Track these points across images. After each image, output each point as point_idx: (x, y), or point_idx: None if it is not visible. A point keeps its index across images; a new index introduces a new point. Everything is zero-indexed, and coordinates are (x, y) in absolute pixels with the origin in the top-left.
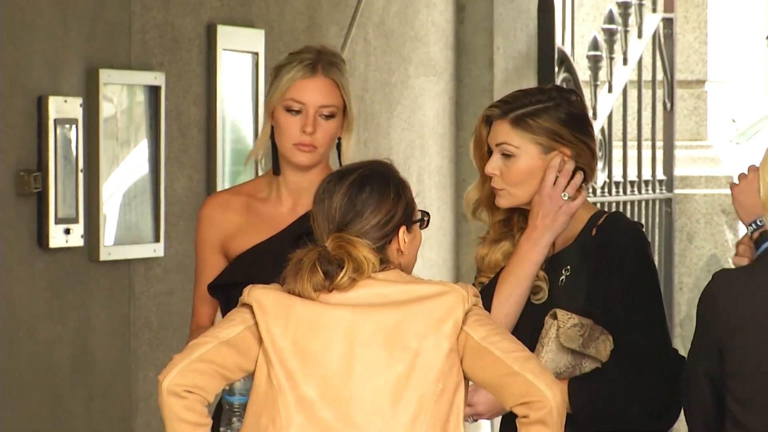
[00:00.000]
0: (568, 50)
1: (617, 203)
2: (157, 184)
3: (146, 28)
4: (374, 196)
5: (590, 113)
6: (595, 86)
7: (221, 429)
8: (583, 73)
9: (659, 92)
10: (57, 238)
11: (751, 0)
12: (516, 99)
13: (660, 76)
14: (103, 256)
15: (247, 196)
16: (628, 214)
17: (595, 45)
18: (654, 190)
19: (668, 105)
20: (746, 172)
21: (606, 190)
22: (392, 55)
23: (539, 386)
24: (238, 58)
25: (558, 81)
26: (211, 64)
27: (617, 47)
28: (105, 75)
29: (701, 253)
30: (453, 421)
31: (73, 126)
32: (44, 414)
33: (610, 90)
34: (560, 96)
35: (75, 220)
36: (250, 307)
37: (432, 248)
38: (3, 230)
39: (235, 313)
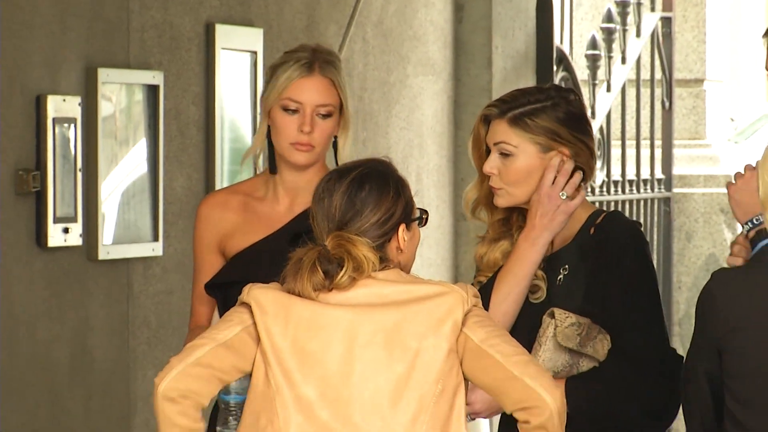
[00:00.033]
0: (566, 49)
1: (616, 202)
2: (155, 184)
3: (145, 27)
4: (374, 194)
5: (589, 112)
6: (594, 85)
7: (218, 428)
8: (581, 72)
9: (658, 91)
10: (56, 237)
11: None
12: (514, 98)
13: (658, 75)
14: (102, 255)
15: (244, 195)
16: (627, 213)
17: (593, 44)
18: (653, 189)
19: (667, 104)
20: (743, 171)
21: (605, 189)
22: (391, 55)
23: (539, 391)
24: (237, 57)
25: (556, 80)
26: (210, 63)
27: (616, 46)
28: (104, 74)
29: (700, 252)
30: (454, 422)
31: (72, 125)
32: (43, 413)
33: (608, 89)
34: (559, 95)
35: (74, 220)
36: (248, 306)
37: (431, 247)
38: (2, 229)
39: (233, 314)
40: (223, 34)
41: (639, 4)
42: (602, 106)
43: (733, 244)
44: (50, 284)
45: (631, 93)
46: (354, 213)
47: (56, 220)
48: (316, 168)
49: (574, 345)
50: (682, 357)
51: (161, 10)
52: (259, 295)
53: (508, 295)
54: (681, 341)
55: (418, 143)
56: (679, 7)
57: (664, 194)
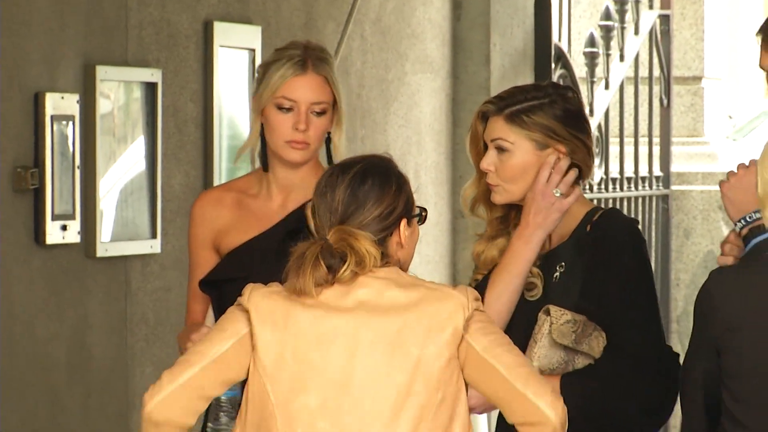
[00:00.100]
0: (564, 47)
1: (614, 199)
2: (153, 181)
3: (143, 25)
4: (376, 188)
5: (587, 110)
6: (592, 83)
7: (209, 424)
8: (579, 69)
9: (656, 89)
10: (54, 234)
11: None
12: (511, 95)
13: (657, 72)
14: (100, 252)
15: (238, 192)
16: (625, 211)
17: (591, 42)
18: (651, 187)
19: (665, 101)
20: (736, 170)
21: (603, 186)
22: (389, 52)
23: (542, 408)
24: (235, 54)
25: (555, 78)
26: (208, 60)
27: (614, 44)
28: (102, 71)
29: (698, 250)
30: (455, 430)
31: (70, 122)
32: (41, 411)
33: (607, 87)
34: (556, 92)
35: (72, 217)
36: (247, 312)
37: (429, 244)
38: (0, 227)
39: (228, 322)
40: (221, 31)
41: (637, 2)
42: (600, 104)
43: (723, 243)
44: (48, 282)
45: (629, 90)
46: (356, 207)
47: (54, 218)
48: (310, 165)
49: (570, 342)
50: (678, 354)
51: (159, 8)
52: (260, 302)
53: (503, 294)
54: (679, 338)
55: (416, 141)
56: (678, 5)
57: (662, 191)
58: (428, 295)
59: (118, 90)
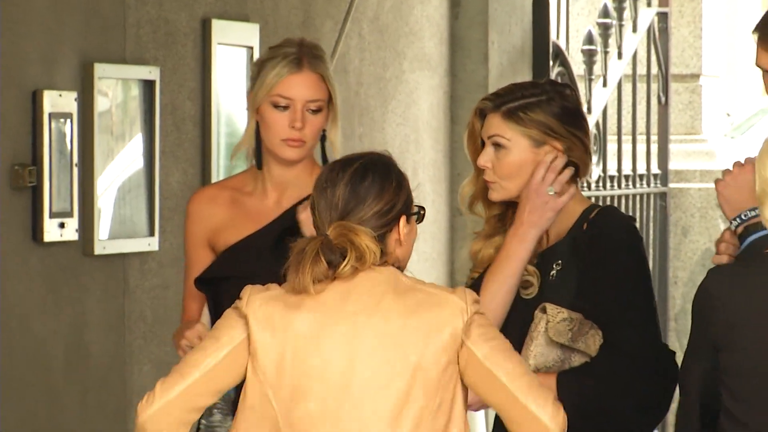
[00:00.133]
0: (562, 44)
1: (612, 197)
2: (151, 179)
3: (141, 23)
4: (377, 184)
5: (585, 108)
6: (590, 80)
7: (202, 421)
8: (577, 67)
9: (654, 86)
10: (51, 232)
11: None
12: (509, 92)
13: (655, 70)
14: (98, 250)
15: (232, 190)
16: (623, 209)
17: (589, 39)
18: (649, 185)
19: (663, 99)
20: (731, 168)
21: (601, 184)
22: (387, 50)
23: (542, 419)
24: (233, 52)
25: (553, 75)
26: (206, 58)
27: (612, 41)
28: (100, 69)
29: (696, 247)
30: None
31: (68, 120)
32: (39, 409)
33: (604, 84)
34: (554, 90)
35: (69, 214)
36: (245, 317)
37: (426, 242)
38: None
39: (225, 329)
40: (219, 29)
41: (635, 0)
42: (598, 102)
43: (718, 242)
44: (46, 279)
45: (627, 88)
46: (356, 202)
47: (52, 215)
48: (305, 163)
49: (566, 340)
50: (675, 353)
51: (157, 6)
52: (259, 308)
53: (497, 293)
54: (677, 336)
55: (414, 138)
56: (676, 3)
57: (660, 189)
58: (426, 299)
59: (116, 88)
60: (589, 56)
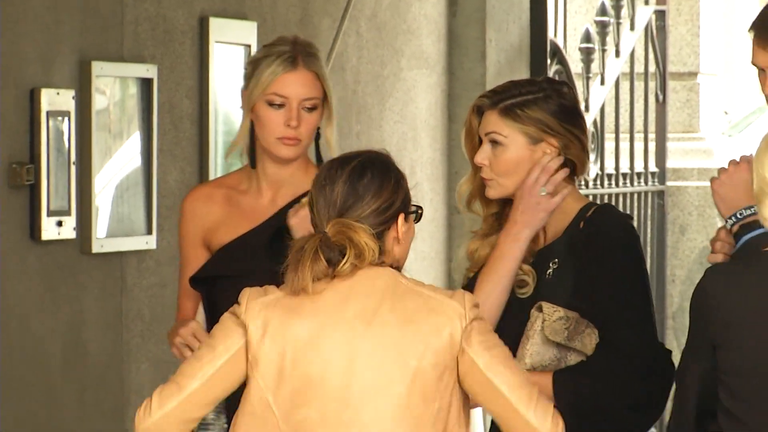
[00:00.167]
0: (560, 43)
1: (609, 195)
2: (149, 177)
3: (139, 21)
4: (375, 181)
5: (582, 106)
6: (588, 78)
7: None
8: (575, 65)
9: (651, 84)
10: (49, 230)
11: None
12: (506, 89)
13: (652, 68)
14: (96, 248)
15: (227, 188)
16: (621, 207)
17: (587, 37)
18: (646, 183)
19: (660, 97)
20: (726, 166)
21: (598, 182)
22: (384, 48)
23: None
24: (231, 50)
25: (550, 73)
26: (204, 56)
27: (610, 39)
28: (97, 67)
29: (693, 246)
30: None
31: (66, 118)
32: (37, 407)
33: (602, 82)
34: (551, 87)
35: (67, 213)
36: (243, 324)
37: (424, 240)
38: None
39: (221, 338)
40: (217, 27)
41: None
42: (596, 100)
43: (713, 240)
44: (44, 278)
45: (624, 86)
46: (355, 199)
47: (50, 214)
48: (299, 161)
49: (562, 339)
50: (671, 352)
51: (155, 4)
52: (258, 315)
53: (491, 293)
54: (675, 334)
55: (412, 136)
56: (673, 1)
57: (657, 187)
58: (425, 304)
59: (113, 86)
60: (587, 54)
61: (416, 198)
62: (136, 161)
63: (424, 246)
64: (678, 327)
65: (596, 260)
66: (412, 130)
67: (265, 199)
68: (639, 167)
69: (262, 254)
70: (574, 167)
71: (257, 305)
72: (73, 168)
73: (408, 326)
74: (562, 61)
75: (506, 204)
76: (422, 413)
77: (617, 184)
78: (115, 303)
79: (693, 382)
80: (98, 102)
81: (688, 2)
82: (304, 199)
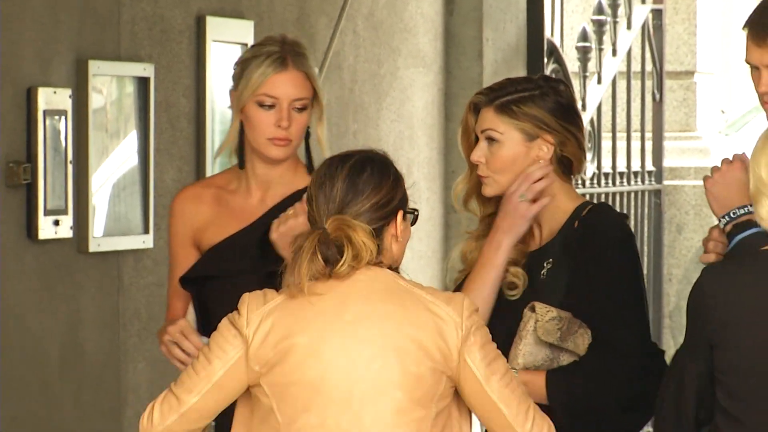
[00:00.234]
0: (557, 41)
1: (606, 194)
2: (146, 176)
3: (135, 20)
4: (375, 177)
5: (579, 105)
6: (585, 77)
7: None
8: (572, 64)
9: (648, 83)
10: (46, 229)
11: None
12: (502, 87)
13: (649, 67)
14: (93, 247)
15: (217, 188)
16: (618, 206)
17: (584, 36)
18: (643, 182)
19: (657, 96)
20: (720, 165)
21: (595, 181)
22: (381, 47)
23: None
24: (228, 49)
25: (547, 72)
26: (201, 55)
27: (606, 38)
28: (94, 66)
29: (690, 245)
30: None
31: (63, 117)
32: (34, 406)
33: (599, 81)
34: (547, 85)
35: (64, 212)
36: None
37: (421, 240)
38: None
39: (217, 351)
40: (214, 26)
41: None
42: (593, 99)
43: (706, 240)
44: (41, 277)
45: (621, 85)
46: (354, 194)
47: (47, 213)
48: (289, 161)
49: (554, 340)
50: (664, 351)
51: (152, 3)
52: (259, 327)
53: (476, 300)
54: (672, 333)
55: (409, 135)
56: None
57: (654, 186)
58: (425, 308)
59: (110, 85)
60: (584, 53)
61: (413, 197)
62: (133, 160)
63: (421, 245)
64: (675, 326)
65: (592, 260)
66: (408, 129)
67: (254, 199)
68: (636, 166)
69: (252, 254)
70: (570, 165)
71: (257, 316)
72: (70, 167)
73: (407, 331)
74: (559, 60)
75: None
76: (422, 418)
77: (614, 183)
78: (112, 302)
79: (692, 382)
80: (95, 101)
81: (684, 1)
82: (287, 211)
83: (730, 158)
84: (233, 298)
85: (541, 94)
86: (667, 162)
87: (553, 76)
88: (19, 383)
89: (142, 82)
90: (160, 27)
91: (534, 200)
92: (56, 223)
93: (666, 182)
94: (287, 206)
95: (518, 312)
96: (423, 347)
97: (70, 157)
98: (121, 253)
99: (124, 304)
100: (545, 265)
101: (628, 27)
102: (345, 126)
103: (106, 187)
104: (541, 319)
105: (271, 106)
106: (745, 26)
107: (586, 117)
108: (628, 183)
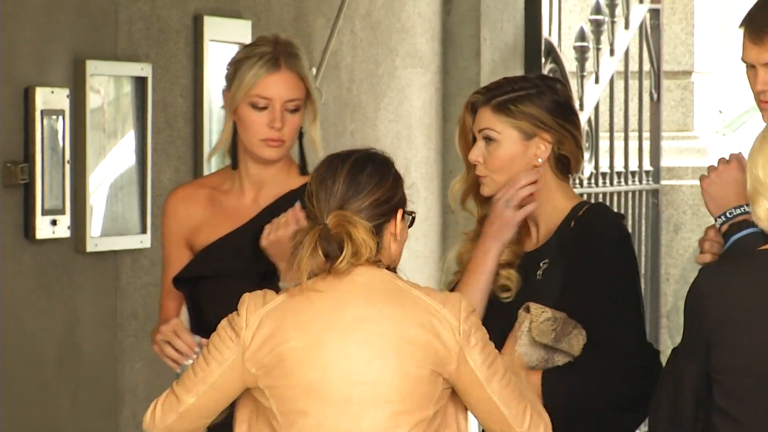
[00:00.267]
0: (555, 41)
1: (604, 194)
2: (143, 176)
3: (133, 20)
4: (376, 174)
5: (577, 104)
6: (582, 77)
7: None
8: (570, 64)
9: (646, 83)
10: (44, 229)
11: None
12: (500, 86)
13: (647, 67)
14: (90, 247)
15: (210, 188)
16: (615, 205)
17: (581, 36)
18: (641, 181)
19: (655, 96)
20: (716, 165)
21: (593, 181)
22: (379, 47)
23: None
24: (225, 49)
25: (545, 72)
26: (198, 55)
27: (604, 38)
28: (92, 66)
29: (688, 244)
30: None
31: (60, 117)
32: (31, 406)
33: (596, 81)
34: (544, 84)
35: (62, 212)
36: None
37: (418, 240)
38: None
39: (215, 354)
40: (212, 26)
41: None
42: (590, 98)
43: (702, 240)
44: (38, 277)
45: (619, 85)
46: (355, 191)
47: (44, 212)
48: (282, 161)
49: (549, 341)
50: (659, 352)
51: (149, 2)
52: (258, 329)
53: None
54: (669, 333)
55: (407, 135)
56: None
57: (652, 186)
58: (425, 310)
59: (108, 85)
60: (581, 53)
61: (411, 197)
62: (130, 160)
63: (418, 245)
64: (672, 326)
65: (589, 260)
66: (406, 129)
67: (247, 200)
68: (633, 166)
69: (245, 254)
70: (568, 164)
71: (257, 318)
72: (67, 167)
73: (407, 332)
74: (557, 60)
75: None
76: (421, 419)
77: (612, 183)
78: (110, 302)
79: (690, 382)
80: (93, 101)
81: (682, 1)
82: (280, 218)
83: (727, 158)
84: (226, 298)
85: (538, 93)
86: (665, 162)
87: (551, 75)
88: (17, 383)
89: (140, 82)
90: (158, 27)
91: (520, 206)
92: (54, 222)
93: (663, 182)
94: (280, 206)
95: (511, 314)
96: (422, 349)
97: (67, 156)
98: (119, 253)
99: (122, 304)
100: (541, 265)
101: (626, 27)
102: (342, 126)
103: (104, 186)
104: (535, 320)
105: (264, 107)
106: (741, 25)
107: (584, 117)
108: (626, 183)
